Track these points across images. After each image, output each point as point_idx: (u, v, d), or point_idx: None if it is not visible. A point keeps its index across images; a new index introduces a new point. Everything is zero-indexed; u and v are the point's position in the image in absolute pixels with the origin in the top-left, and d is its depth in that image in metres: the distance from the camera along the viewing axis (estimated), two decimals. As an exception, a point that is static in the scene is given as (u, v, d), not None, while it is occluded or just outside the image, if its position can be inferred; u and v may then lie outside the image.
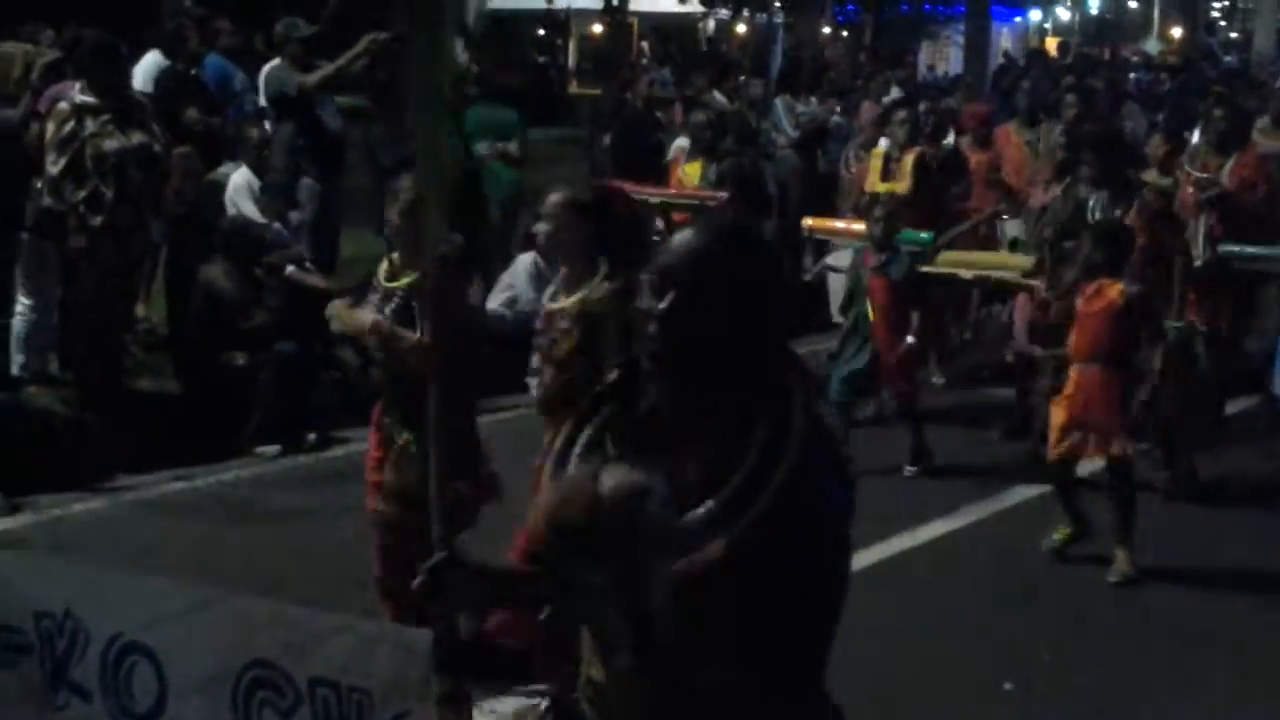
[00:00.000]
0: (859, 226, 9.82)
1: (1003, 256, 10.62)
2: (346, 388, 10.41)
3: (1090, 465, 7.57)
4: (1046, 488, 7.74)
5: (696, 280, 2.67)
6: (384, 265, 5.93)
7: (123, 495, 8.27)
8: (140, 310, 10.14)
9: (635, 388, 2.79)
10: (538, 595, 2.85)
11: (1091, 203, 9.02)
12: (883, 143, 11.10)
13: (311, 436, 9.47)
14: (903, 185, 10.45)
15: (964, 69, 23.98)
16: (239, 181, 9.89)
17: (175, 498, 8.37)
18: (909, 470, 8.83)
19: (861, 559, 7.23)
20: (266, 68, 10.95)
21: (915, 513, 8.06)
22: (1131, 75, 25.77)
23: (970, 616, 6.83)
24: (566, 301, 5.49)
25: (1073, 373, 7.35)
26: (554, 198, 5.66)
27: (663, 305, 2.67)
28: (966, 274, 10.39)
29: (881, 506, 8.10)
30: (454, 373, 4.65)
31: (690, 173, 11.25)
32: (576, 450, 2.80)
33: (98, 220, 8.63)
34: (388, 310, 5.75)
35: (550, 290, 5.72)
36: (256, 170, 9.93)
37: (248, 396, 9.29)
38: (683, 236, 2.76)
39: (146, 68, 10.50)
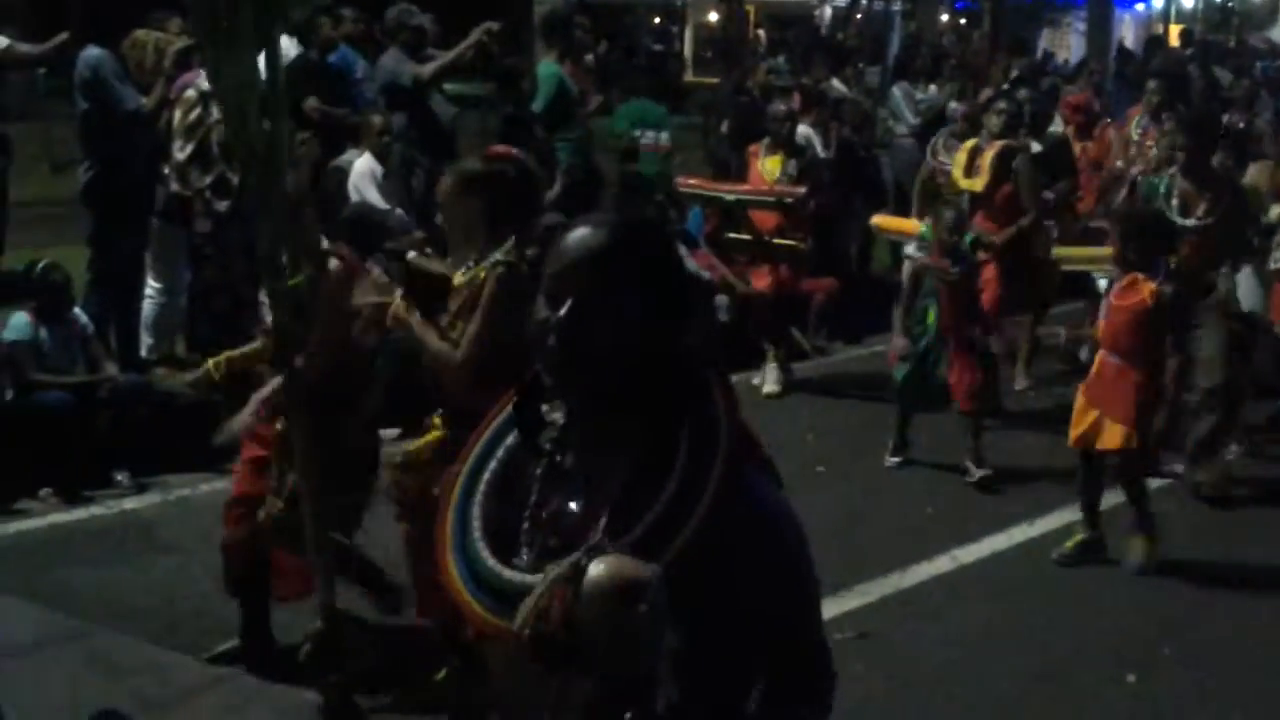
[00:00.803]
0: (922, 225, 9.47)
1: (1101, 250, 10.34)
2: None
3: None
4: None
5: (598, 283, 2.36)
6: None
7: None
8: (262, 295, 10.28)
9: (537, 406, 2.49)
10: (439, 660, 2.75)
11: (1163, 189, 8.65)
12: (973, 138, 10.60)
13: (428, 421, 9.55)
14: (980, 182, 10.08)
15: (1086, 56, 23.60)
16: (361, 168, 9.99)
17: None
18: (975, 476, 8.47)
19: (941, 565, 7.23)
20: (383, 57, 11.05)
21: (993, 518, 7.94)
22: (1258, 64, 25.21)
23: (1066, 616, 6.77)
24: (459, 279, 5.23)
25: (1096, 359, 7.32)
26: (444, 178, 5.39)
27: (561, 313, 2.35)
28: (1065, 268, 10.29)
29: (964, 509, 8.08)
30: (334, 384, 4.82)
31: (770, 167, 10.80)
32: (481, 489, 2.50)
33: (223, 205, 8.80)
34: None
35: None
36: (379, 157, 10.03)
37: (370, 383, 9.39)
38: (577, 234, 2.42)
39: (274, 55, 10.65)
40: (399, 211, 9.98)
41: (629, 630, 2.20)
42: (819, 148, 12.61)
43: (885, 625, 6.48)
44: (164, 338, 9.56)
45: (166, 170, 8.67)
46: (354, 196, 9.93)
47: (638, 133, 12.78)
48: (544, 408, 2.49)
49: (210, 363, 5.97)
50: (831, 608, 6.61)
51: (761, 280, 10.58)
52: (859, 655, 6.13)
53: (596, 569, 2.23)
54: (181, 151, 8.47)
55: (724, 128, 14.20)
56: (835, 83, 14.79)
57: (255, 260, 9.20)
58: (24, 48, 9.76)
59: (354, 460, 5.57)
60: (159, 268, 9.39)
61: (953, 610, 6.74)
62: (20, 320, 8.08)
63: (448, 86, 11.24)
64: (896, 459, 8.87)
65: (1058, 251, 10.67)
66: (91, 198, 8.97)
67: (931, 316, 8.59)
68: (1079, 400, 7.31)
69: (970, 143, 10.42)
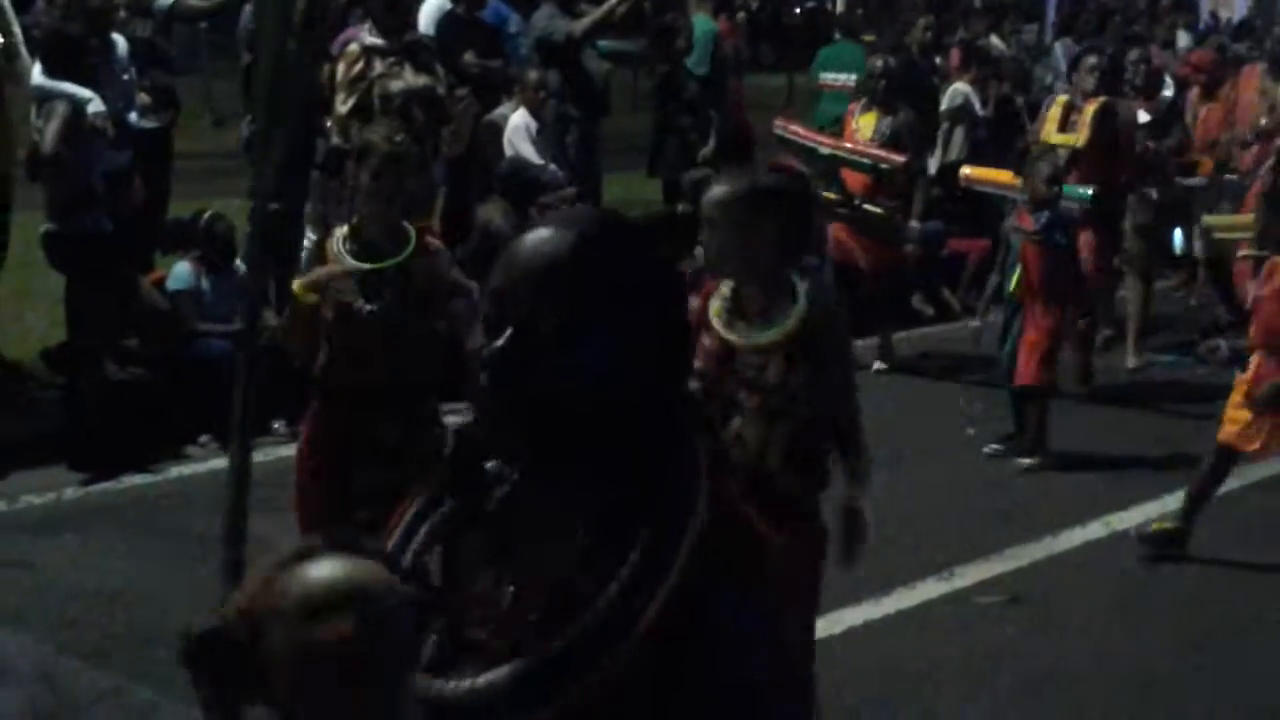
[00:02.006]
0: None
1: (1231, 218, 9.79)
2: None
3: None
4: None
5: (551, 306, 1.81)
6: (340, 235, 5.09)
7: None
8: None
9: (476, 462, 1.95)
10: None
11: None
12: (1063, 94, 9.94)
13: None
14: (1080, 137, 9.38)
15: (1251, 15, 22.93)
16: (517, 123, 10.05)
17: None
18: (1025, 463, 7.95)
19: (1094, 530, 7.09)
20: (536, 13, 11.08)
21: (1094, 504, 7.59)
22: None
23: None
24: (763, 336, 4.05)
25: (1252, 360, 6.65)
26: (719, 190, 4.11)
27: (499, 344, 1.82)
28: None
29: (1121, 474, 7.90)
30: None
31: (864, 125, 10.14)
32: (413, 547, 1.96)
33: (383, 159, 8.91)
34: (386, 295, 4.99)
35: (717, 307, 4.10)
36: (534, 113, 10.08)
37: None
38: (530, 240, 1.87)
39: (430, 10, 10.72)
40: (553, 167, 10.04)
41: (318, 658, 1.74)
42: (977, 105, 12.42)
43: (1037, 589, 6.40)
44: (321, 289, 9.71)
45: (328, 123, 8.79)
46: (509, 151, 10.01)
47: (824, 75, 12.53)
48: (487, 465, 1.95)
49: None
50: (981, 571, 6.56)
51: (844, 252, 9.97)
52: (1011, 619, 6.08)
53: (314, 566, 1.79)
54: (343, 105, 8.57)
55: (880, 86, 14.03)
56: (994, 39, 14.55)
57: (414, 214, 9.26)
58: (194, 1, 9.96)
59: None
60: (317, 220, 9.53)
61: (1106, 575, 6.63)
62: (184, 270, 8.27)
63: (601, 43, 11.24)
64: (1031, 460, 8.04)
65: (1208, 220, 10.16)
66: (254, 150, 9.11)
67: (1016, 282, 8.00)
68: (1234, 398, 6.65)
69: (1063, 98, 9.83)
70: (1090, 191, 8.85)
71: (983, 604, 6.24)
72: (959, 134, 12.42)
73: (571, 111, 10.60)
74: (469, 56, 10.43)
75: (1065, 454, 8.11)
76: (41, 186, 7.81)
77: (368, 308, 4.92)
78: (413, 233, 5.07)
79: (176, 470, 7.57)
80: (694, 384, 3.82)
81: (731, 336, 4.02)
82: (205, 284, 8.21)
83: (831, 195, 9.95)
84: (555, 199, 9.87)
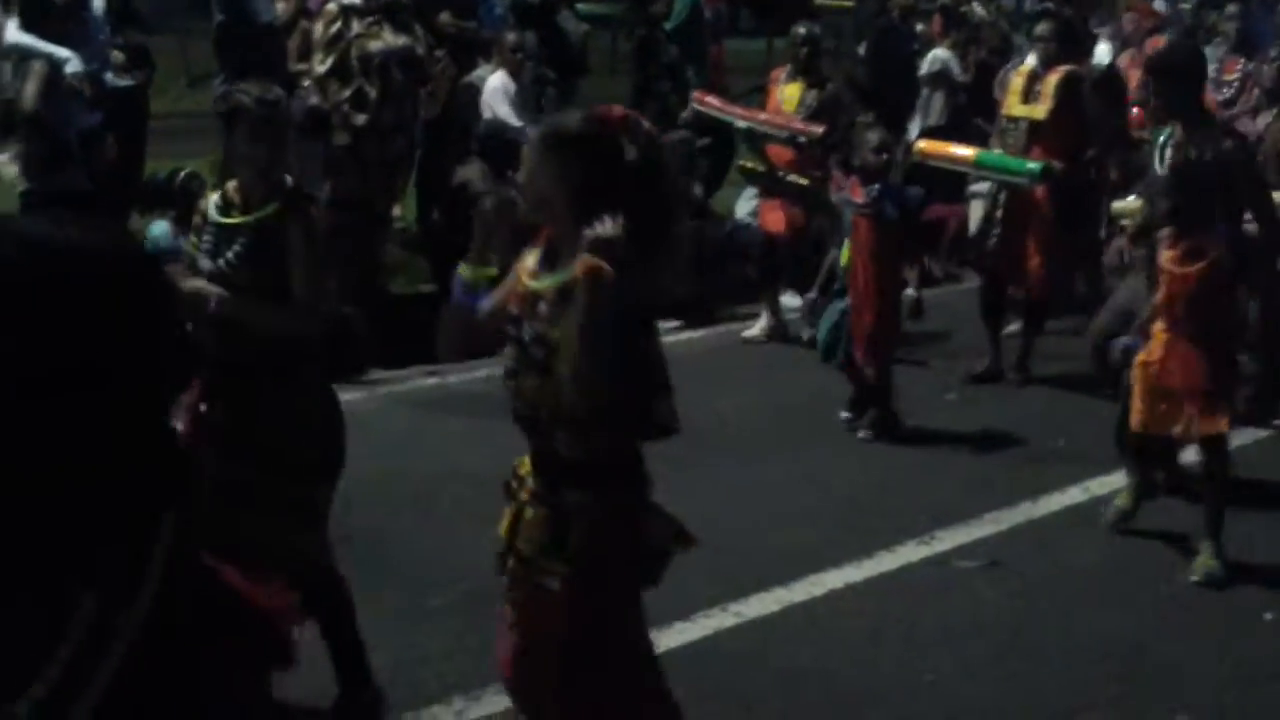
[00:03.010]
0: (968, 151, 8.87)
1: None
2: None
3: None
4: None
5: None
6: (215, 197, 4.79)
7: (378, 389, 8.52)
8: (396, 210, 10.37)
9: None
10: None
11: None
12: (1030, 59, 9.49)
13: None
14: (1041, 109, 9.03)
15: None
16: (494, 85, 10.00)
17: (427, 394, 8.59)
18: (864, 434, 7.91)
19: (1073, 495, 7.10)
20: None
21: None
22: None
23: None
24: (541, 283, 3.78)
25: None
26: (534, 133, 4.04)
27: None
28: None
29: (1096, 441, 7.90)
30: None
31: (788, 95, 9.78)
32: None
33: (361, 119, 8.88)
34: (230, 254, 4.64)
35: (531, 255, 3.87)
36: (512, 74, 10.03)
37: (498, 297, 9.45)
38: None
39: (407, -30, 10.69)
40: (530, 129, 9.99)
41: None
42: (957, 71, 12.38)
43: (1015, 554, 6.42)
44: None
45: (306, 83, 8.74)
46: (486, 113, 9.97)
47: None
48: None
49: None
50: (961, 535, 6.58)
51: (774, 218, 9.81)
52: (989, 583, 6.09)
53: None
54: (322, 64, 8.54)
55: (860, 50, 13.98)
56: (975, 5, 14.50)
57: (392, 173, 9.26)
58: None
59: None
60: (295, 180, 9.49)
61: (1084, 541, 6.64)
62: (161, 228, 8.23)
63: (579, 5, 11.20)
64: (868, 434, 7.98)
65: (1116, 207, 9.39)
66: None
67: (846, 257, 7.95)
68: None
69: (1026, 67, 9.41)
70: (1036, 165, 8.54)
71: (963, 568, 6.26)
72: (938, 99, 12.39)
73: (548, 73, 10.58)
74: (445, 17, 10.38)
75: (1048, 420, 8.14)
76: (17, 145, 7.74)
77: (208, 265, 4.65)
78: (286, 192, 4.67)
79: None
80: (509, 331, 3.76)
81: (528, 282, 3.79)
82: (183, 242, 8.16)
83: (752, 165, 9.90)
84: (534, 162, 9.84)
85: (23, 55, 7.58)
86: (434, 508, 6.68)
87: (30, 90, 7.46)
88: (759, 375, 9.17)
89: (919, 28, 13.64)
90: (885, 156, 7.83)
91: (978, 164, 8.83)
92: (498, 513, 6.50)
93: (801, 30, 9.94)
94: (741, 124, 9.90)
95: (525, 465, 3.89)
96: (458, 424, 7.99)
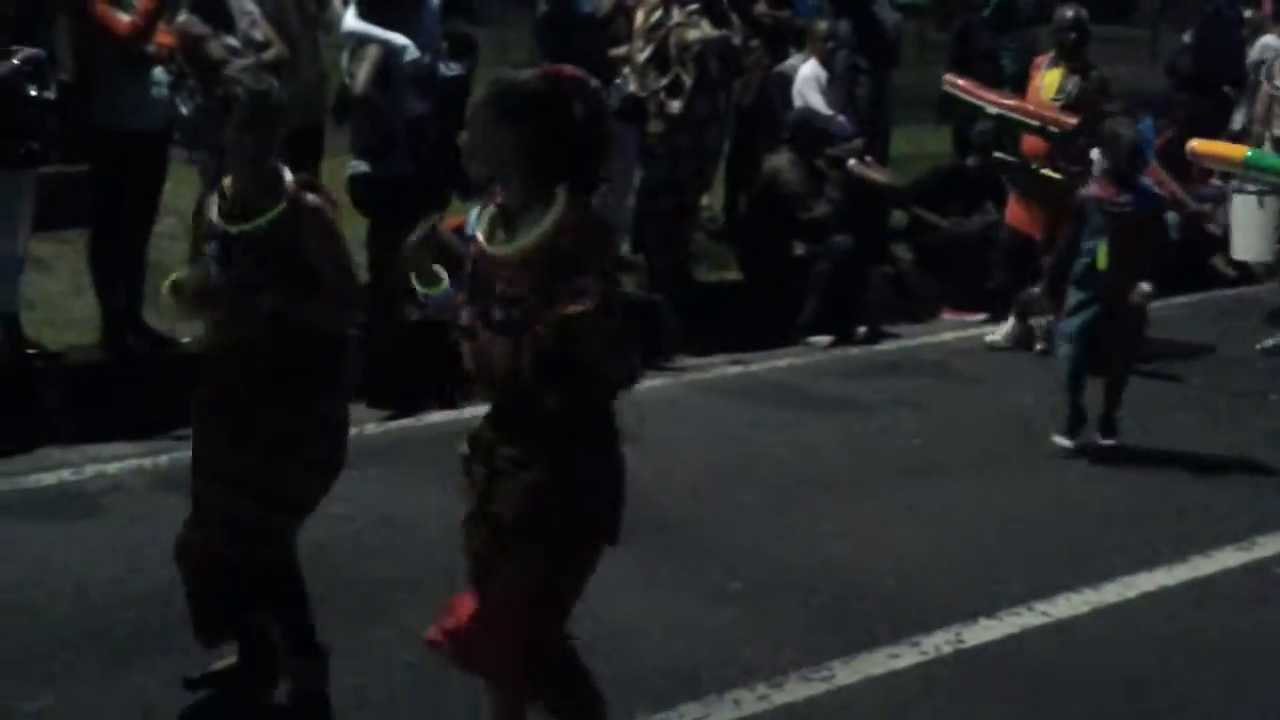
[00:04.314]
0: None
1: None
2: (899, 283, 10.48)
3: None
4: None
5: None
6: (214, 198, 4.55)
7: (683, 376, 8.62)
8: (704, 199, 10.46)
9: None
10: None
11: None
12: None
13: (862, 330, 9.58)
14: None
15: None
16: (807, 74, 9.99)
17: (731, 381, 8.66)
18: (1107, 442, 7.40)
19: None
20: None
21: None
22: None
23: None
24: (508, 247, 3.75)
25: None
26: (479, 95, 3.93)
27: None
28: None
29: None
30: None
31: (1048, 82, 9.23)
32: None
33: (676, 107, 8.99)
34: (244, 263, 4.43)
35: (475, 220, 3.89)
36: (824, 63, 10.00)
37: (803, 287, 9.47)
38: None
39: (721, -39, 10.75)
40: (841, 118, 9.97)
41: None
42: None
43: None
44: (610, 238, 9.84)
45: (625, 70, 8.88)
46: (798, 102, 9.97)
47: None
48: None
49: None
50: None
51: (1023, 216, 9.30)
52: None
53: None
54: (641, 53, 8.67)
55: (1186, 38, 13.49)
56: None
57: (704, 162, 9.33)
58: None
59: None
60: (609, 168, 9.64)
61: None
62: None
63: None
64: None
65: None
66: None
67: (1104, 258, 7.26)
68: None
69: None
70: None
71: (1284, 576, 6.02)
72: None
73: (861, 63, 10.49)
74: (760, 6, 10.41)
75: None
76: (349, 129, 8.07)
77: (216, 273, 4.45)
78: (288, 190, 4.43)
79: (471, 410, 7.78)
80: (458, 295, 3.83)
81: (486, 247, 3.77)
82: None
83: (1004, 156, 9.52)
84: (842, 151, 9.82)
85: (359, 41, 7.88)
86: (738, 494, 6.75)
87: (363, 74, 7.76)
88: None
89: (1247, 14, 13.09)
90: (1133, 156, 7.34)
91: (1247, 165, 8.34)
92: (801, 499, 6.64)
93: (1069, 14, 9.27)
94: (992, 110, 9.55)
95: (484, 432, 3.86)
96: (762, 412, 8.05)
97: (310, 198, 4.41)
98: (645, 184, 9.49)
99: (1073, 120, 8.97)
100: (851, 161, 9.82)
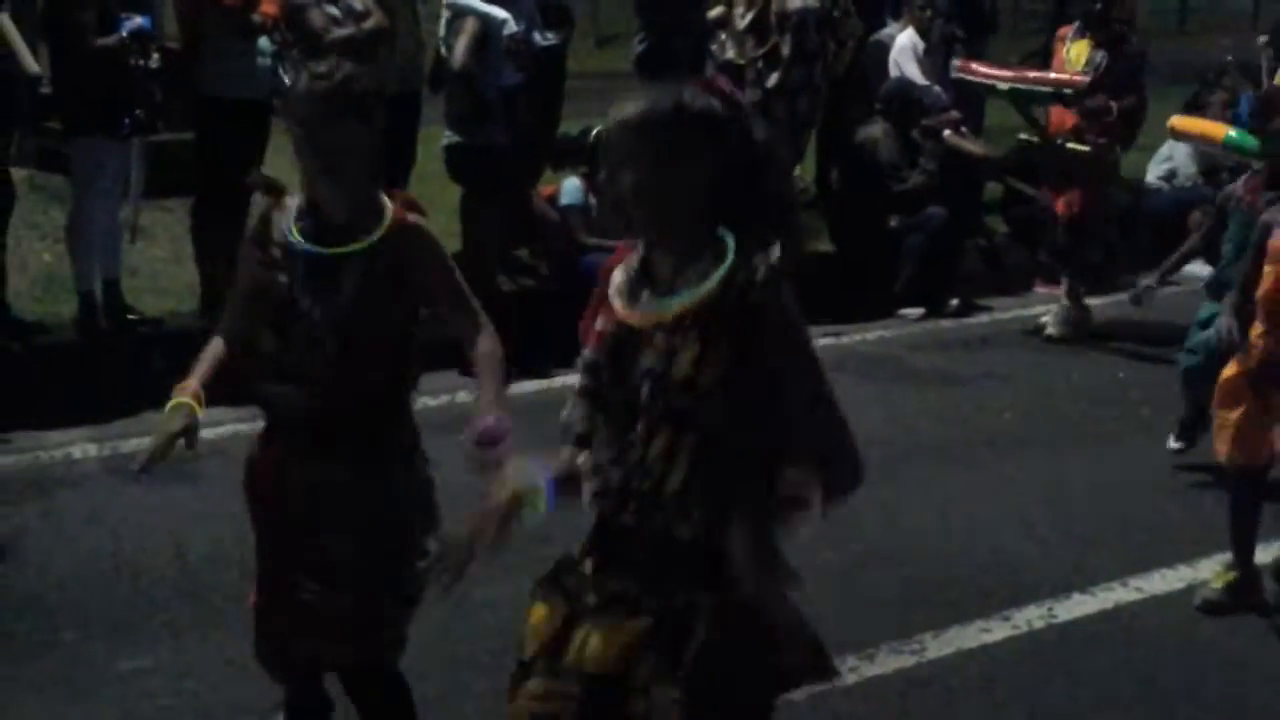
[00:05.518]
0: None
1: None
2: (992, 256, 10.39)
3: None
4: None
5: None
6: (290, 213, 3.63)
7: (775, 346, 8.58)
8: (796, 170, 10.42)
9: None
10: None
11: None
12: None
13: (954, 302, 9.52)
14: None
15: None
16: (904, 43, 9.91)
17: (823, 353, 8.42)
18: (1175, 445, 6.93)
19: None
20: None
21: None
22: None
23: None
24: (665, 306, 2.83)
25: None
26: (630, 109, 2.83)
27: None
28: None
29: None
30: None
31: (1075, 54, 8.87)
32: None
33: (774, 78, 8.96)
34: (343, 294, 3.57)
35: (620, 280, 2.94)
36: (921, 33, 9.91)
37: (896, 259, 9.43)
38: None
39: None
40: (936, 89, 9.88)
41: None
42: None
43: None
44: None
45: (724, 37, 8.87)
46: (894, 71, 9.90)
47: None
48: None
49: None
50: None
51: (1055, 198, 9.03)
52: None
53: None
54: (742, 20, 8.65)
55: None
56: None
57: (798, 132, 9.26)
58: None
59: None
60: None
61: None
62: (573, 185, 8.50)
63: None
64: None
65: None
66: (646, 68, 9.28)
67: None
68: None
69: None
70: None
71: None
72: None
73: (957, 31, 10.39)
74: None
75: None
76: (444, 100, 8.12)
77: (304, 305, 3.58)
78: (387, 207, 3.60)
79: (562, 378, 7.82)
80: (586, 382, 2.94)
81: (629, 313, 2.87)
82: (593, 200, 8.43)
83: (1028, 138, 9.31)
84: (937, 122, 9.74)
85: (457, 13, 7.93)
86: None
87: (461, 46, 7.81)
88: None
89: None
90: None
91: (1226, 146, 8.01)
92: (894, 472, 6.61)
93: None
94: (1003, 86, 9.21)
95: (583, 559, 2.97)
96: (853, 384, 8.01)
97: (410, 219, 3.61)
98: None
99: (1084, 79, 8.63)
100: (947, 132, 9.74)
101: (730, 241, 2.77)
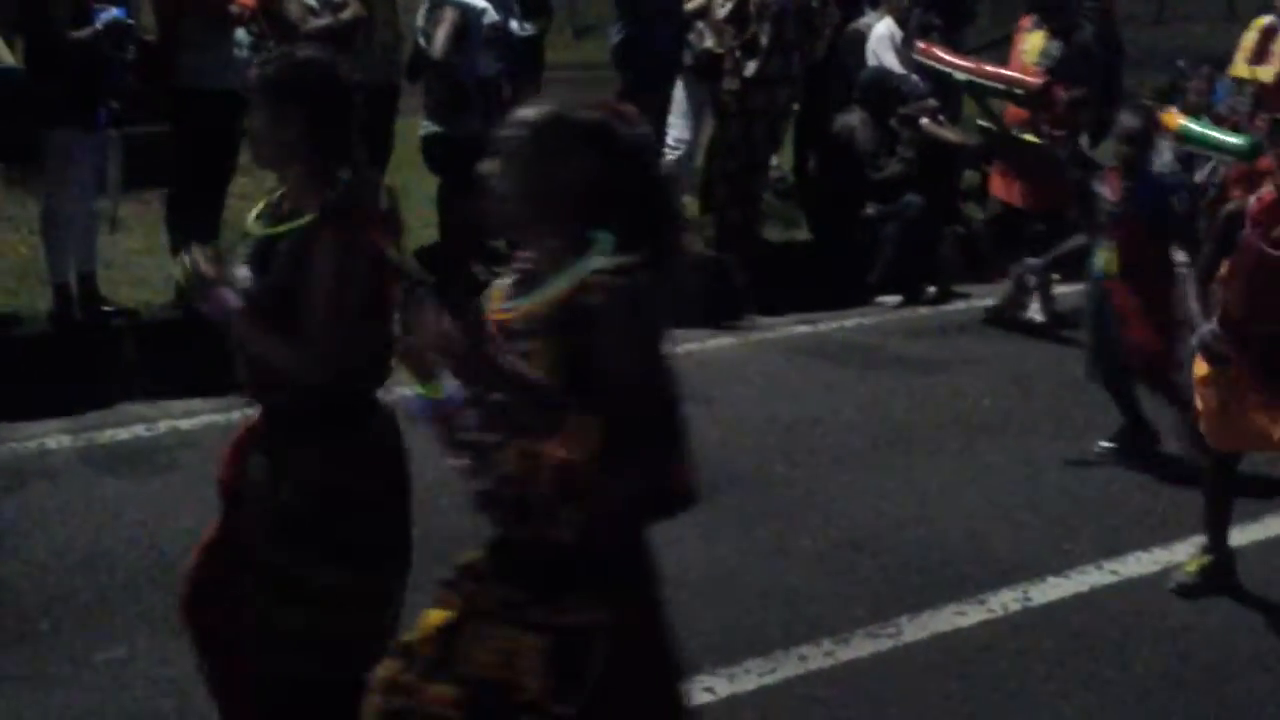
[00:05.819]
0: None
1: None
2: (969, 243, 10.41)
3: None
4: None
5: None
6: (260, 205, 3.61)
7: (751, 335, 8.62)
8: (774, 159, 10.43)
9: None
10: None
11: None
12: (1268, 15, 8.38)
13: (931, 289, 9.53)
14: (1269, 71, 8.06)
15: None
16: (881, 32, 9.91)
17: (799, 340, 8.66)
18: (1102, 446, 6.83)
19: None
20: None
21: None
22: None
23: None
24: (530, 301, 2.85)
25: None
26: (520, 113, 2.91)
27: None
28: None
29: None
30: None
31: (1030, 45, 8.85)
32: None
33: (751, 68, 8.96)
34: (264, 271, 3.46)
35: (502, 281, 3.01)
36: (899, 22, 9.92)
37: (873, 246, 9.44)
38: None
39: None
40: (914, 78, 9.89)
41: None
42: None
43: None
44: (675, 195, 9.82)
45: (701, 25, 8.86)
46: (871, 60, 9.89)
47: None
48: None
49: None
50: None
51: (1001, 183, 9.14)
52: None
53: None
54: (722, 9, 8.65)
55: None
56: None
57: (775, 121, 9.24)
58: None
59: None
60: (680, 123, 9.60)
61: None
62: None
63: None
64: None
65: None
66: (623, 59, 9.26)
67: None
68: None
69: (1261, 21, 8.31)
70: (1243, 141, 7.38)
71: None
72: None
73: (934, 20, 10.40)
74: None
75: None
76: (422, 89, 8.12)
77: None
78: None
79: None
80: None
81: (496, 311, 2.90)
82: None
83: (987, 124, 9.36)
84: (915, 110, 9.75)
85: (436, 3, 7.92)
86: (806, 452, 6.75)
87: (441, 37, 7.80)
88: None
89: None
90: (1133, 146, 6.46)
91: (1178, 136, 8.00)
92: (870, 457, 6.63)
93: None
94: (960, 76, 9.28)
95: (474, 560, 2.97)
96: (830, 371, 8.05)
97: (340, 216, 3.38)
98: (716, 143, 9.46)
99: (1037, 81, 8.66)
100: (924, 121, 9.76)
101: (601, 245, 2.77)
